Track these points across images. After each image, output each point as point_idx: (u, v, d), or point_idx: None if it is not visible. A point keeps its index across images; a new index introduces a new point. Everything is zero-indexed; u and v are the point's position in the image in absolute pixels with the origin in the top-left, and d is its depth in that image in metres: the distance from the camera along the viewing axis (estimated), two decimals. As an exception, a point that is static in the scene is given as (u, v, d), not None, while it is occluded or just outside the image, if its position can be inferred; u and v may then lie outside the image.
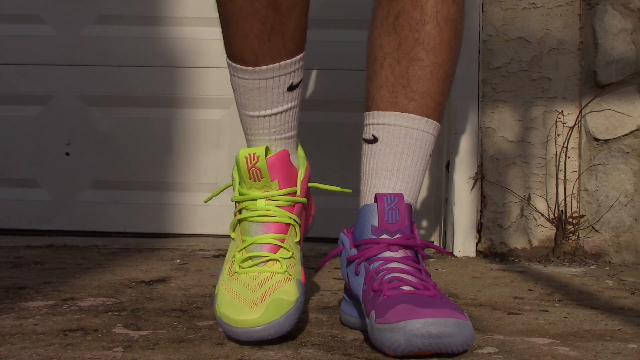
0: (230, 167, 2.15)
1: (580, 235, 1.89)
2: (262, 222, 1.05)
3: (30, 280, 1.44)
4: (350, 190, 1.19)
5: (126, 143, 2.17)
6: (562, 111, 1.90)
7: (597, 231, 1.88)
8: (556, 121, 1.90)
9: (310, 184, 1.15)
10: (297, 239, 1.08)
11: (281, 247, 1.04)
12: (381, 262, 1.02)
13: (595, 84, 1.87)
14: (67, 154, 2.18)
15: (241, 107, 1.12)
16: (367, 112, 1.15)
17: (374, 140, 1.12)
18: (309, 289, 1.39)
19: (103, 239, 2.07)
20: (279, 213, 1.06)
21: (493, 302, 1.32)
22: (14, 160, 2.18)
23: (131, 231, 2.16)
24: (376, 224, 1.04)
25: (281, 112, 1.11)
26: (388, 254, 1.02)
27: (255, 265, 1.02)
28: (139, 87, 2.17)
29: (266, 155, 1.07)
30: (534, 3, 1.90)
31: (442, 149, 2.02)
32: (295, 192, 1.09)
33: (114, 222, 2.17)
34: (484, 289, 1.44)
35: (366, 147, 1.14)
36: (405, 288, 0.97)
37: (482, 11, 1.92)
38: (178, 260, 1.73)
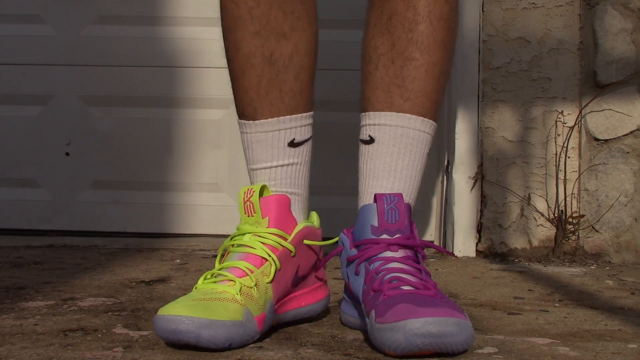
0: (229, 167, 2.15)
1: (580, 235, 1.89)
2: (241, 252, 1.05)
3: (30, 280, 1.44)
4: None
5: (126, 143, 2.17)
6: (562, 111, 1.90)
7: (597, 231, 1.88)
8: (556, 121, 1.90)
9: (306, 242, 1.10)
10: (269, 279, 1.03)
11: (247, 275, 1.01)
12: (381, 262, 1.02)
13: (595, 84, 1.87)
14: (67, 154, 2.18)
15: (247, 162, 1.16)
16: (363, 113, 1.15)
17: (371, 140, 1.13)
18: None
19: (103, 239, 2.07)
20: (259, 246, 1.04)
21: (493, 302, 1.32)
22: (14, 160, 2.18)
23: (131, 231, 2.16)
24: (376, 224, 1.04)
25: (282, 166, 1.13)
26: (388, 253, 1.02)
27: (215, 282, 1.01)
28: (139, 87, 2.17)
29: (263, 194, 1.08)
30: (534, 3, 1.90)
31: (442, 149, 2.02)
32: (286, 239, 1.07)
33: (114, 222, 2.17)
34: (484, 289, 1.44)
35: (363, 148, 1.14)
36: (406, 288, 0.97)
37: (482, 11, 1.92)
38: (178, 260, 1.73)
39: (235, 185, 2.16)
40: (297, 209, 1.13)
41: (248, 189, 1.07)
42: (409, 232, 1.04)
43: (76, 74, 2.17)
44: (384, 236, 1.03)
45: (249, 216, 1.07)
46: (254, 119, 1.12)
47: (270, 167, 1.13)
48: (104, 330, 1.05)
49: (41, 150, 2.18)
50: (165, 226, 2.16)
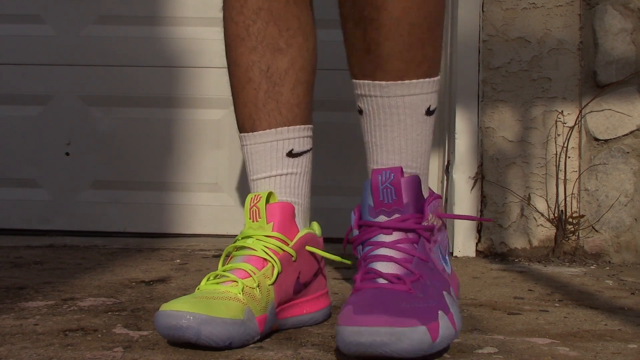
0: (229, 167, 2.15)
1: (580, 235, 1.89)
2: (243, 254, 1.05)
3: (30, 280, 1.44)
4: (349, 262, 1.11)
5: (126, 143, 2.17)
6: (562, 111, 1.90)
7: (597, 231, 1.88)
8: (556, 121, 1.90)
9: (308, 248, 1.10)
10: (271, 281, 1.04)
11: (250, 276, 1.01)
12: (370, 247, 0.95)
13: (595, 84, 1.87)
14: (67, 154, 2.18)
15: (248, 175, 1.16)
16: (352, 80, 1.08)
17: (360, 112, 1.06)
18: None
19: (103, 239, 2.07)
20: (260, 249, 1.05)
21: (493, 302, 1.32)
22: (14, 160, 2.18)
23: (131, 231, 2.16)
24: (372, 203, 0.96)
25: (281, 175, 1.13)
26: (381, 237, 0.94)
27: (218, 284, 1.01)
28: (139, 87, 2.17)
29: (269, 201, 1.09)
30: (534, 3, 1.90)
31: (442, 149, 2.02)
32: (288, 244, 1.07)
33: (114, 222, 2.17)
34: (484, 289, 1.44)
35: (359, 119, 1.08)
36: (380, 281, 0.91)
37: (482, 11, 1.92)
38: (178, 260, 1.73)
39: (235, 185, 2.16)
40: (298, 219, 1.14)
41: (255, 195, 1.09)
42: (412, 212, 0.94)
43: (76, 74, 2.17)
44: (381, 217, 0.95)
45: (253, 221, 1.08)
46: (252, 131, 1.14)
47: (270, 177, 1.14)
48: (104, 330, 1.05)
49: (41, 150, 2.18)
50: (165, 226, 2.16)
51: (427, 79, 1.01)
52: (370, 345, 0.82)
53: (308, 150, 1.16)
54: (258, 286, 1.01)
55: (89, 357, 0.91)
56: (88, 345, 0.97)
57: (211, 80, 2.13)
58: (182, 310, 0.92)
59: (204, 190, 2.16)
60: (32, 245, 1.94)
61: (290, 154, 1.14)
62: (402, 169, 0.96)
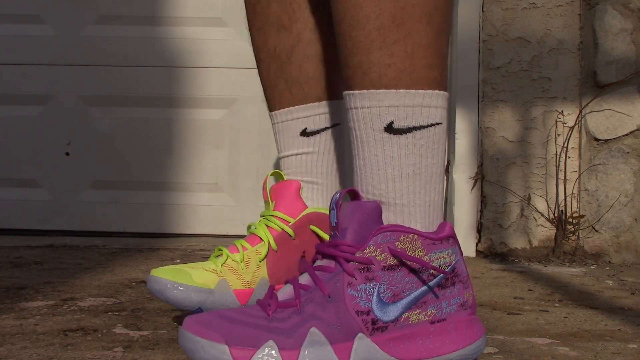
0: (229, 167, 2.15)
1: (580, 235, 1.89)
2: (249, 233, 1.11)
3: (30, 280, 1.44)
4: None
5: (126, 143, 2.17)
6: (562, 111, 1.90)
7: (597, 231, 1.88)
8: (556, 121, 1.90)
9: (312, 227, 1.09)
10: (261, 258, 1.06)
11: (239, 251, 1.06)
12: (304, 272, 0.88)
13: (595, 84, 1.87)
14: (67, 154, 2.18)
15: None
16: None
17: None
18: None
19: (103, 239, 2.07)
20: (260, 228, 1.09)
21: (493, 302, 1.32)
22: (14, 160, 2.18)
23: (131, 231, 2.16)
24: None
25: (295, 155, 1.13)
26: (318, 262, 0.86)
27: (216, 256, 1.08)
28: (139, 87, 2.17)
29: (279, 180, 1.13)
30: (534, 3, 1.90)
31: (442, 149, 2.02)
32: (289, 222, 1.08)
33: (114, 222, 2.17)
34: (484, 289, 1.44)
35: None
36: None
37: (482, 11, 1.92)
38: (178, 260, 1.73)
39: (235, 185, 2.16)
40: (315, 197, 1.12)
41: (267, 177, 1.13)
42: (349, 239, 0.83)
43: (76, 74, 2.17)
44: (331, 239, 0.87)
45: (265, 202, 1.12)
46: (271, 111, 1.15)
47: (286, 156, 1.14)
48: (104, 330, 1.05)
49: (41, 150, 2.18)
50: (165, 226, 2.16)
51: (380, 90, 0.84)
52: (185, 349, 0.80)
53: (326, 128, 1.12)
54: (243, 261, 1.05)
55: (89, 357, 0.91)
56: (88, 345, 0.97)
57: (211, 80, 2.13)
58: (158, 276, 1.04)
59: (204, 190, 2.16)
60: (32, 245, 1.94)
61: (304, 133, 1.12)
62: (356, 191, 0.87)
